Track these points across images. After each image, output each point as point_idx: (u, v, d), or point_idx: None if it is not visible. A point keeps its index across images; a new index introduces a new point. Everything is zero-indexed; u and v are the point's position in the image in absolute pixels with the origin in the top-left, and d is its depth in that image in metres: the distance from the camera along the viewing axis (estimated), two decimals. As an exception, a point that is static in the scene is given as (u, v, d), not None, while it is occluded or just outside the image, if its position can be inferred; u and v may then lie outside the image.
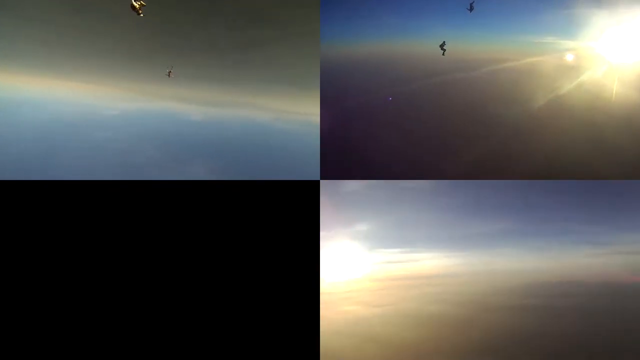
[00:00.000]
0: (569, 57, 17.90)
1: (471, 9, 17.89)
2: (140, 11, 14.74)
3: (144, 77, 21.99)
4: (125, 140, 20.39)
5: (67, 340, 12.01)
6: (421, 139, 17.50)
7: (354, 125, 17.87)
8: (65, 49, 20.51)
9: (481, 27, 19.50)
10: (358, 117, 18.22)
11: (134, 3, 14.61)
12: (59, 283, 12.30)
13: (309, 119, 16.81)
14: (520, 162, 16.72)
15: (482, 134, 17.41)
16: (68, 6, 19.70)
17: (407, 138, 17.49)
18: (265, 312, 12.50)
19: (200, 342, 12.28)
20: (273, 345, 12.28)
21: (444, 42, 18.25)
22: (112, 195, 12.86)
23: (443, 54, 18.24)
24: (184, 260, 12.69)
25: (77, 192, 12.80)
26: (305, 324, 12.40)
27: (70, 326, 12.10)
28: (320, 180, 13.84)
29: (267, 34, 20.77)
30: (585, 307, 17.63)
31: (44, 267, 12.33)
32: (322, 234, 12.84)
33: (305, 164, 16.52)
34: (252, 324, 12.43)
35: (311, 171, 14.70)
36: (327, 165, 14.62)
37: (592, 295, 19.33)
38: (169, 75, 18.77)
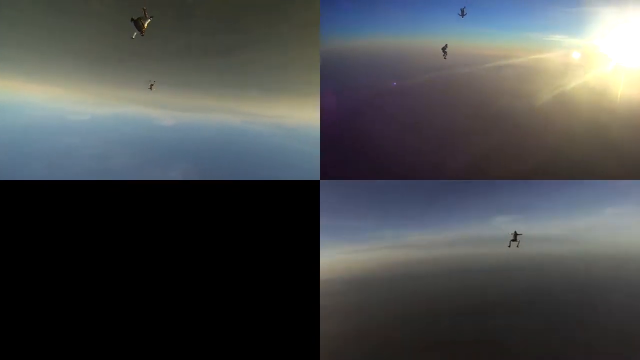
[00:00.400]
0: (575, 55, 17.65)
1: (463, 14, 17.75)
2: (143, 33, 14.41)
3: (117, 82, 21.29)
4: (98, 147, 19.90)
5: (53, 342, 12.16)
6: (423, 138, 17.38)
7: (354, 124, 17.77)
8: (33, 51, 19.68)
9: (487, 23, 19.28)
10: (359, 116, 18.10)
11: (144, 23, 14.24)
12: (34, 287, 12.41)
13: (308, 118, 16.68)
14: (523, 160, 16.55)
15: (485, 133, 17.25)
16: (36, 6, 18.99)
17: (409, 137, 17.37)
18: (264, 312, 12.59)
19: (200, 342, 12.42)
20: (273, 345, 12.39)
21: (446, 45, 18.06)
22: (112, 195, 12.94)
23: (444, 57, 18.04)
24: (183, 261, 12.79)
25: (78, 193, 12.92)
26: (305, 324, 12.48)
27: (53, 327, 12.24)
28: (320, 180, 13.86)
29: (263, 30, 20.42)
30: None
31: (20, 270, 12.43)
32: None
33: (305, 164, 16.41)
34: (252, 324, 12.53)
35: (311, 171, 14.69)
36: (327, 165, 14.60)
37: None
38: (150, 89, 18.89)
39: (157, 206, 12.97)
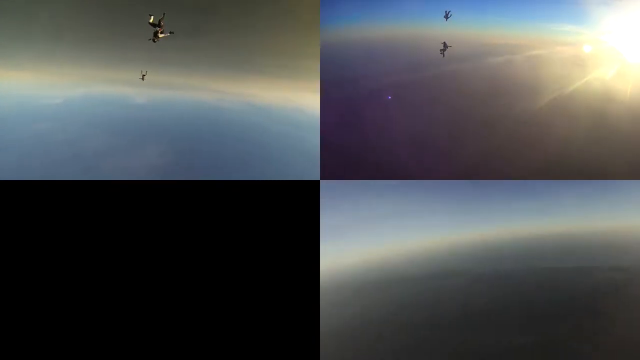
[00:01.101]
0: (586, 49, 17.18)
1: (447, 17, 17.33)
2: (155, 40, 14.32)
3: (88, 62, 20.54)
4: (73, 131, 19.31)
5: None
6: (424, 137, 17.14)
7: (354, 124, 17.54)
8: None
9: (493, 13, 18.86)
10: (359, 116, 17.86)
11: (159, 32, 14.08)
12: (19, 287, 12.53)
13: (308, 117, 16.54)
14: (528, 157, 16.26)
15: (487, 133, 16.94)
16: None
17: (410, 137, 17.14)
18: (265, 312, 12.69)
19: (199, 342, 12.59)
20: (273, 344, 12.51)
21: (444, 43, 17.59)
22: (112, 195, 13.08)
23: (443, 56, 17.61)
24: (183, 260, 12.90)
25: (72, 192, 13.05)
26: (305, 323, 12.56)
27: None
28: (320, 180, 13.83)
29: (262, 21, 20.02)
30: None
31: None
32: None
33: (305, 163, 16.32)
34: (252, 323, 12.65)
35: (311, 171, 14.64)
36: (326, 165, 14.54)
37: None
38: (142, 79, 18.85)
39: (157, 206, 13.06)
